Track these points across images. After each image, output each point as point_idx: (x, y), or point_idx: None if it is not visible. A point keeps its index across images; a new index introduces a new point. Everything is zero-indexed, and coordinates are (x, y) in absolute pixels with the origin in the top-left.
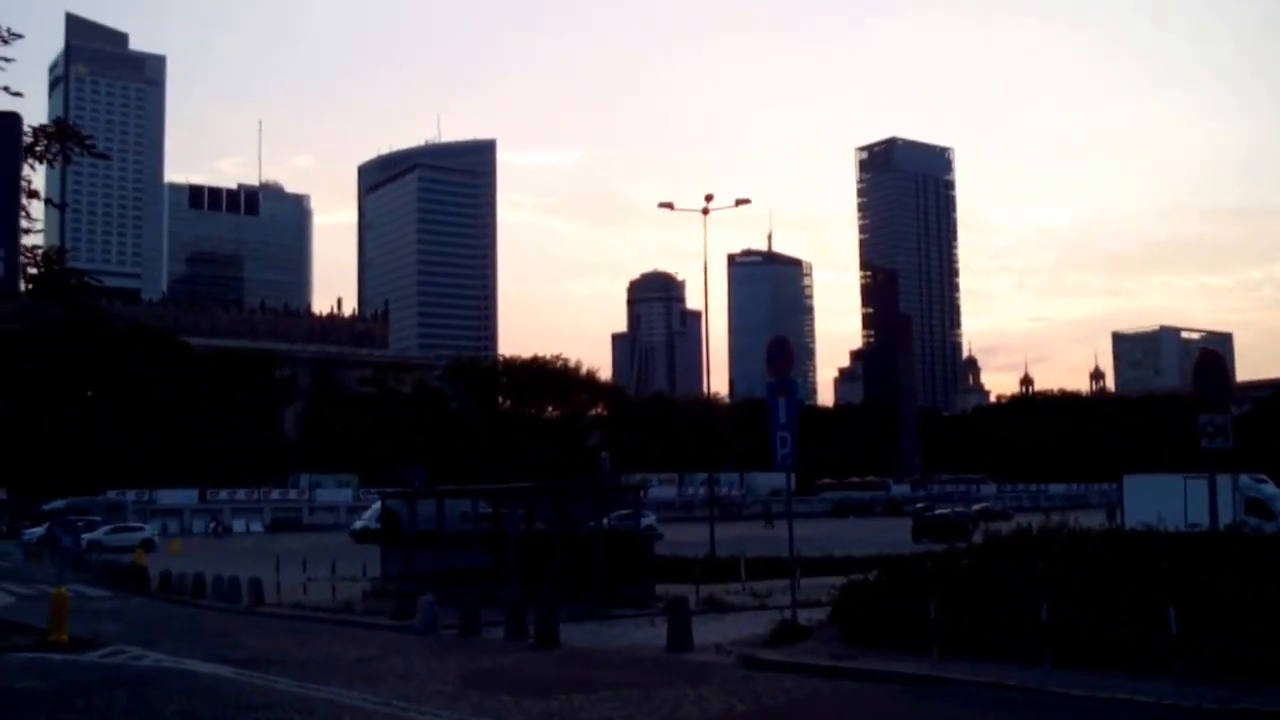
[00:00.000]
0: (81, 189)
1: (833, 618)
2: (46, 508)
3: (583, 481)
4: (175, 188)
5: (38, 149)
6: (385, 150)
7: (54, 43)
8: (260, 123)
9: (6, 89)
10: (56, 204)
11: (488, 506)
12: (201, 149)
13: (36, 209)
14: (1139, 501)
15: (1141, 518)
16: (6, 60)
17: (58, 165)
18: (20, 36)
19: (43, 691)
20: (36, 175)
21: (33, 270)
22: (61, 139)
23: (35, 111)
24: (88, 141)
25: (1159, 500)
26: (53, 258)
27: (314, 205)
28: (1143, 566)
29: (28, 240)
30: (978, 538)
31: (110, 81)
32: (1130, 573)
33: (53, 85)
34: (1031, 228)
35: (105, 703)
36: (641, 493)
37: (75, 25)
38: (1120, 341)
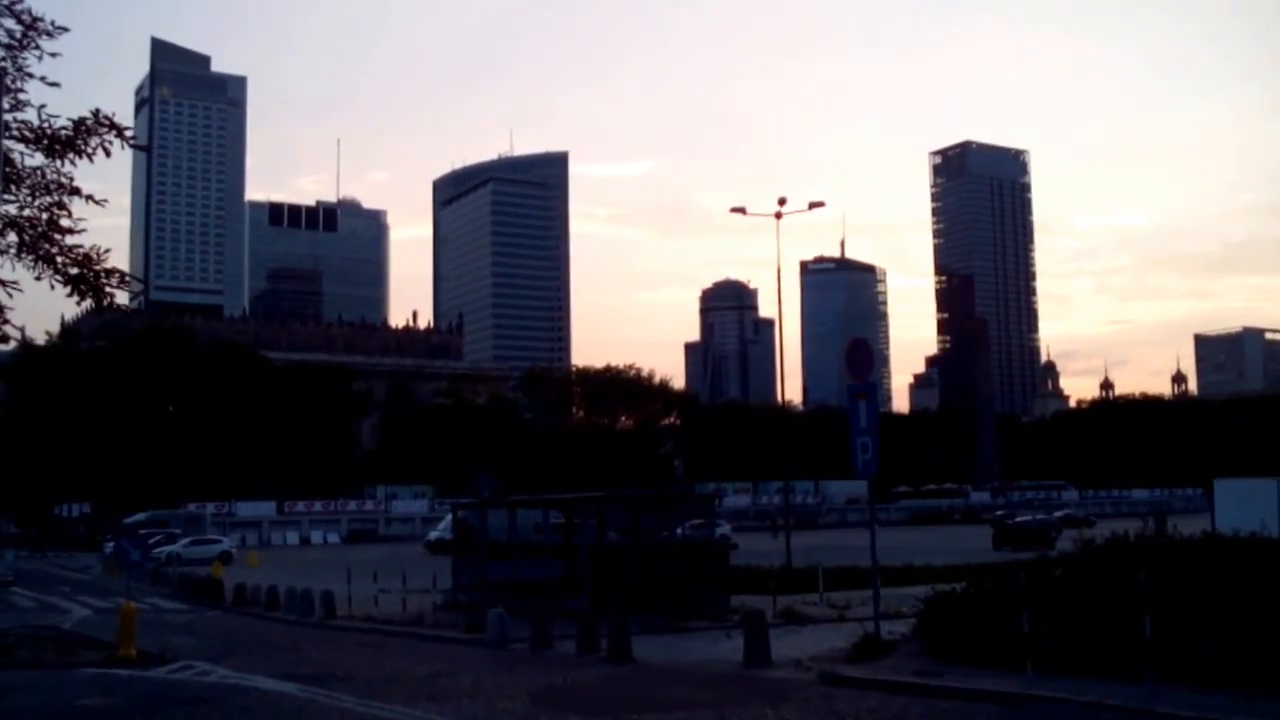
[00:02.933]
0: (165, 208)
1: (917, 631)
2: (128, 521)
3: (656, 490)
4: (256, 205)
5: (78, 143)
6: (459, 165)
7: (140, 66)
8: (338, 140)
9: (43, 79)
10: (98, 201)
11: (560, 516)
12: (281, 167)
13: (80, 207)
14: (1230, 507)
15: (1233, 523)
16: (52, 55)
17: (97, 159)
18: (66, 30)
19: (104, 709)
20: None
21: (73, 270)
22: (100, 132)
23: None
24: (127, 134)
25: (1251, 505)
26: (94, 258)
27: (390, 220)
28: (1253, 575)
29: (69, 240)
30: (1065, 545)
31: (193, 103)
32: (1239, 582)
33: (139, 107)
34: (1110, 230)
35: None
36: (715, 502)
37: (160, 49)
38: (1202, 344)
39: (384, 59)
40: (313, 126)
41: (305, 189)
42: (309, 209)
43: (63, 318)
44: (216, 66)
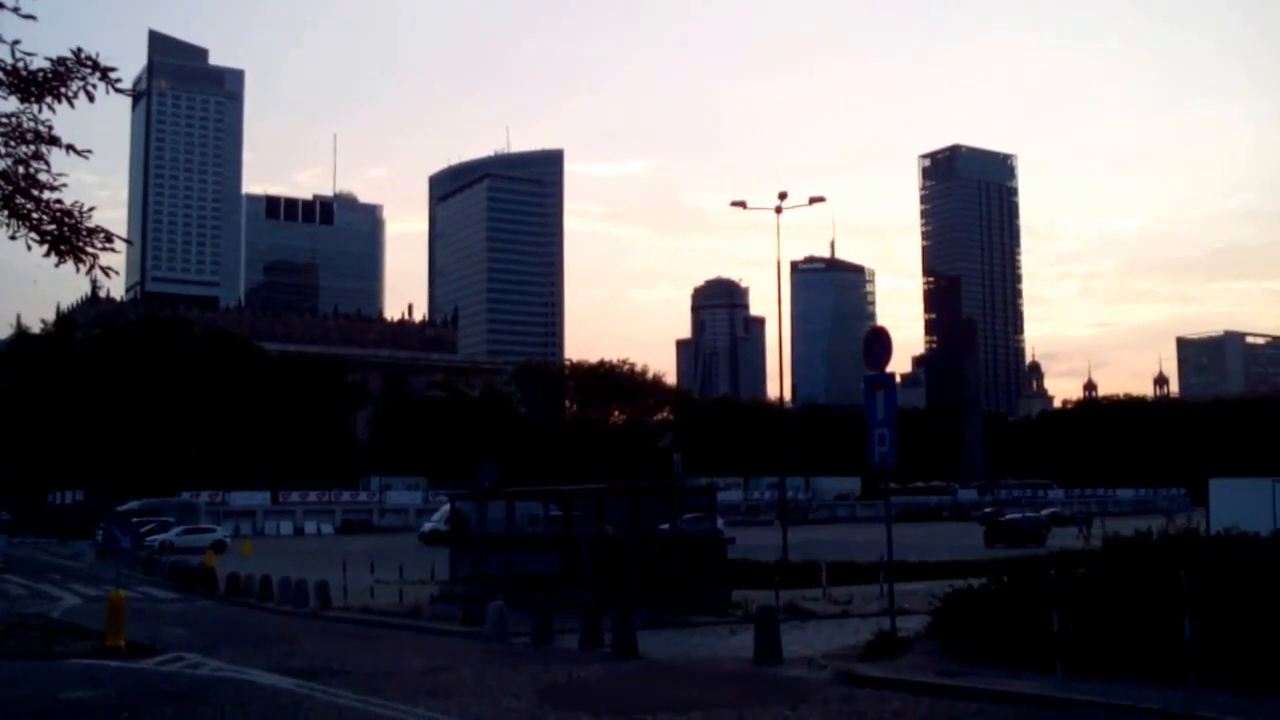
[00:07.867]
0: (163, 200)
1: (934, 629)
2: (120, 509)
3: (658, 483)
4: (253, 199)
5: (56, 86)
6: (455, 161)
7: (137, 59)
8: (335, 135)
9: (16, 10)
10: (80, 151)
11: (558, 508)
12: (279, 161)
13: (60, 160)
14: (1226, 506)
15: (1228, 521)
16: (24, 15)
17: (78, 104)
18: None
19: (89, 703)
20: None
21: (50, 227)
22: (82, 74)
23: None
24: (112, 76)
25: (1247, 504)
26: (75, 214)
27: (386, 215)
28: None
29: (50, 195)
30: (1056, 543)
31: (191, 96)
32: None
33: (136, 100)
34: (1096, 234)
35: (153, 718)
36: (715, 496)
37: (158, 42)
38: (1185, 347)
39: (382, 55)
40: (310, 121)
41: (302, 183)
42: (306, 203)
43: (58, 306)
44: (214, 60)
